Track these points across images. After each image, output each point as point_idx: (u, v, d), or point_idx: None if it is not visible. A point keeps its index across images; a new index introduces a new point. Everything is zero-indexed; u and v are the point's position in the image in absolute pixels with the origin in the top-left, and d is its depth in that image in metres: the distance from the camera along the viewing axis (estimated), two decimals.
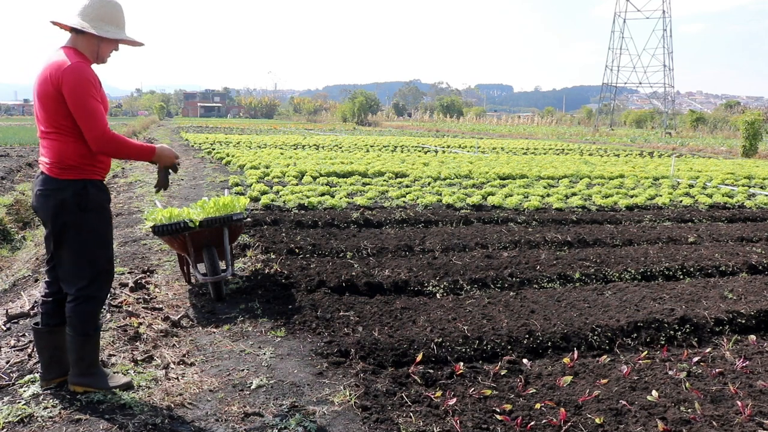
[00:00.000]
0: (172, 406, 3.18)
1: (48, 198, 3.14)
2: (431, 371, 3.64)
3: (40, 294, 3.36)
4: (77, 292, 3.18)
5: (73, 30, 3.20)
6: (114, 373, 3.46)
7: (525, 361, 3.84)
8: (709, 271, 6.17)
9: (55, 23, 3.23)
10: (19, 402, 3.14)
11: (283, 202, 9.39)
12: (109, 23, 3.23)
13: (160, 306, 4.75)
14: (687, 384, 3.46)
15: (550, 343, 4.11)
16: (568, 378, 3.52)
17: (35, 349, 3.44)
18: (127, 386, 3.32)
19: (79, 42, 3.19)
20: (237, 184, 11.19)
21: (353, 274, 5.48)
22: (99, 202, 3.23)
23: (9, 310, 4.63)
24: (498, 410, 3.16)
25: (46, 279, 3.35)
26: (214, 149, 19.50)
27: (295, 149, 21.14)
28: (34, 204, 3.24)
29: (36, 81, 3.15)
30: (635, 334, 4.31)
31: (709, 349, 4.10)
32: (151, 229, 4.82)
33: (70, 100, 3.05)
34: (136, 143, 3.31)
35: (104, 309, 4.49)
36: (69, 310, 3.20)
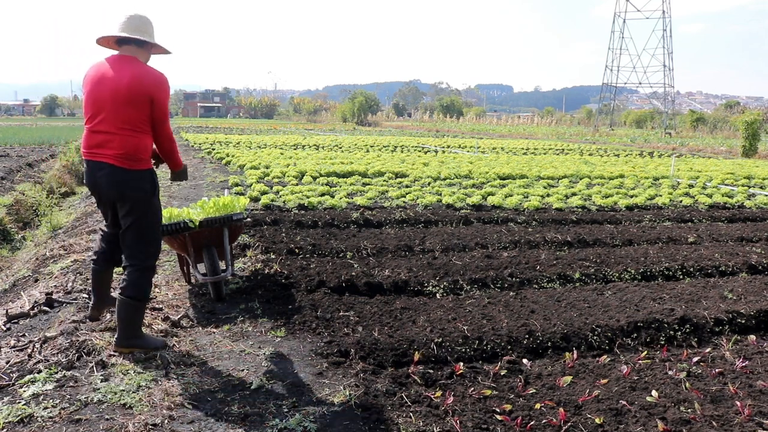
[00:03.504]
0: (172, 406, 3.18)
1: (126, 187, 3.62)
2: (431, 371, 3.64)
3: (99, 239, 4.03)
4: (139, 263, 3.69)
5: (121, 42, 3.66)
6: (150, 335, 3.94)
7: (525, 361, 3.84)
8: (709, 271, 6.17)
9: (102, 39, 3.70)
10: (19, 402, 3.14)
11: (283, 202, 9.39)
12: (151, 35, 3.73)
13: (160, 306, 4.75)
14: (687, 384, 3.47)
15: (550, 343, 4.11)
16: (568, 378, 3.52)
17: (91, 286, 4.09)
18: (164, 346, 3.84)
19: (140, 53, 3.70)
20: (237, 184, 11.20)
21: (353, 274, 5.48)
22: (158, 186, 3.82)
23: (9, 310, 4.63)
24: (498, 410, 3.16)
25: (104, 232, 3.99)
26: (214, 149, 19.51)
27: (295, 149, 21.15)
28: (106, 191, 3.66)
29: (115, 84, 3.53)
30: (635, 334, 4.31)
31: (709, 349, 4.10)
32: None
33: (159, 106, 3.63)
34: (178, 150, 4.02)
35: None
36: (130, 278, 3.67)
